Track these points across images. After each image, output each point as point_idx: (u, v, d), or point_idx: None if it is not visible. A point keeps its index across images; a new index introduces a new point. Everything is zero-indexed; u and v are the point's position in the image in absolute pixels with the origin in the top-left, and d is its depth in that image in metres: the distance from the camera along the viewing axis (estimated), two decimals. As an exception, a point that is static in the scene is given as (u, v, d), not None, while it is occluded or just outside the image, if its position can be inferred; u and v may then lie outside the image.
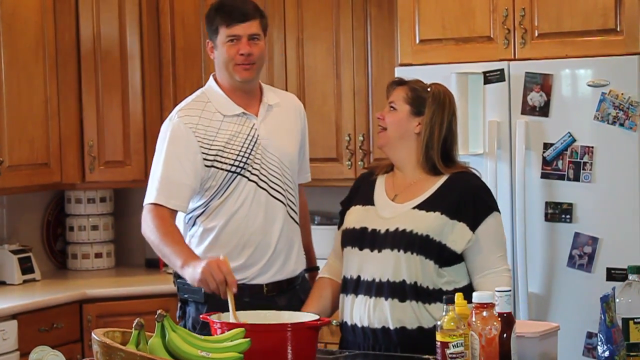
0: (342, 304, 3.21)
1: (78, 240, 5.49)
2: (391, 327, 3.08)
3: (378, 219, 3.17)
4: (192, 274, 3.08)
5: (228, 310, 2.96)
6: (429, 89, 3.22)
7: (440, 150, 3.19)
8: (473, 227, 3.11)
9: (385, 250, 3.11)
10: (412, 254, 3.08)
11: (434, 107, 3.20)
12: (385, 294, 3.09)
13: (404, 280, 3.08)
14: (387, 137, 3.23)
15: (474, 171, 3.27)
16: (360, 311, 3.13)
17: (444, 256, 3.10)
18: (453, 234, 3.09)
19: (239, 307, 2.97)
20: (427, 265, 3.09)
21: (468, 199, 3.13)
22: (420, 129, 3.19)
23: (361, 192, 3.30)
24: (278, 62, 5.05)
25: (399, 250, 3.09)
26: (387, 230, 3.13)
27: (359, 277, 3.15)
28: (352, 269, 3.18)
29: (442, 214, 3.10)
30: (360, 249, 3.17)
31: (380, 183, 3.28)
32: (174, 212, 3.35)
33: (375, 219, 3.18)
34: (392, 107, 3.22)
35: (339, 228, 3.33)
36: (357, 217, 3.23)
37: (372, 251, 3.14)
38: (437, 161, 3.19)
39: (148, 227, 3.30)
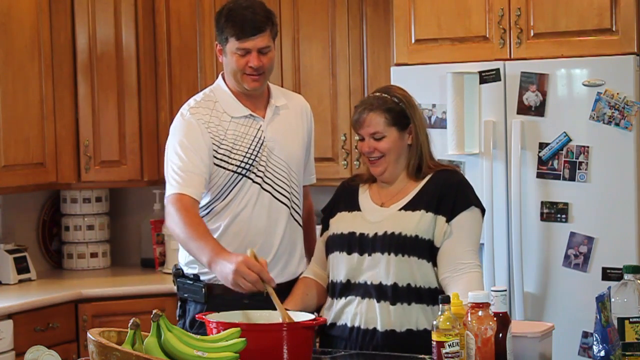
0: (330, 307, 3.19)
1: (74, 239, 5.47)
2: (380, 330, 3.08)
3: (366, 223, 3.16)
4: (220, 274, 3.02)
5: (228, 310, 2.95)
6: (395, 99, 3.16)
7: (428, 152, 3.20)
8: (449, 218, 3.09)
9: (376, 254, 3.10)
10: (403, 256, 3.07)
11: (412, 113, 3.18)
12: (376, 296, 3.09)
13: (395, 284, 3.07)
14: (387, 162, 3.17)
15: (455, 168, 3.26)
16: (351, 313, 3.12)
17: (436, 254, 3.10)
18: (436, 228, 3.09)
19: (240, 308, 2.97)
20: (422, 265, 3.09)
21: (450, 194, 3.12)
22: (412, 139, 3.19)
23: (345, 200, 3.27)
24: (274, 62, 5.04)
25: (389, 254, 3.08)
26: (376, 234, 3.12)
27: (348, 281, 3.15)
28: (340, 273, 3.17)
29: (426, 211, 3.10)
30: (349, 254, 3.15)
31: (365, 190, 3.26)
32: (196, 202, 3.27)
33: (362, 223, 3.17)
34: (376, 138, 3.15)
35: (321, 235, 3.31)
36: (344, 222, 3.21)
37: (361, 255, 3.13)
38: (426, 164, 3.18)
39: (173, 221, 3.22)
